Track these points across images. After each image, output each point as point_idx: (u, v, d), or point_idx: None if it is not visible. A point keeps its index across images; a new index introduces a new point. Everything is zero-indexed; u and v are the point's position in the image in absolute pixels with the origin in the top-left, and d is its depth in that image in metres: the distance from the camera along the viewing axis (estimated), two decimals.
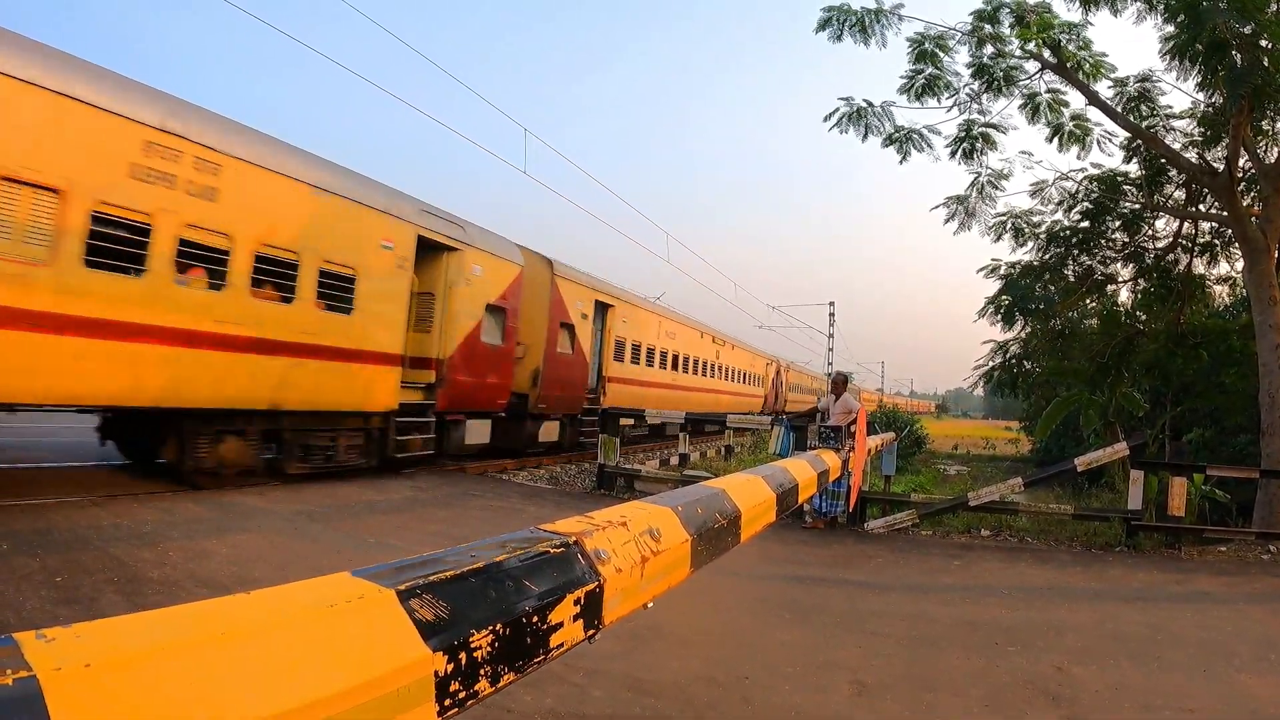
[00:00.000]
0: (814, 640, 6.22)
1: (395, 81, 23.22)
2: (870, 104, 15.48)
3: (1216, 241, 17.82)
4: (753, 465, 4.17)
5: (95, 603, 5.70)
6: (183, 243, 9.80)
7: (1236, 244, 15.58)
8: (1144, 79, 15.10)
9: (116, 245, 9.19)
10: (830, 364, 58.80)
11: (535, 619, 1.39)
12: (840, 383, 12.59)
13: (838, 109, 15.53)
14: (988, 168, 16.52)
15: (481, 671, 1.24)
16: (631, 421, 21.26)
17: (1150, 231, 18.47)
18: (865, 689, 5.17)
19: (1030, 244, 18.77)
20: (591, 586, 1.58)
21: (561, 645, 1.47)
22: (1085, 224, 18.18)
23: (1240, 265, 15.73)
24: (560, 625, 1.46)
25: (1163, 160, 16.11)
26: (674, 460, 20.13)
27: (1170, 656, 6.18)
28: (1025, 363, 21.34)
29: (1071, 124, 15.57)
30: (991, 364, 21.22)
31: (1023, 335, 20.69)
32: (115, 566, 6.59)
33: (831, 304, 59.42)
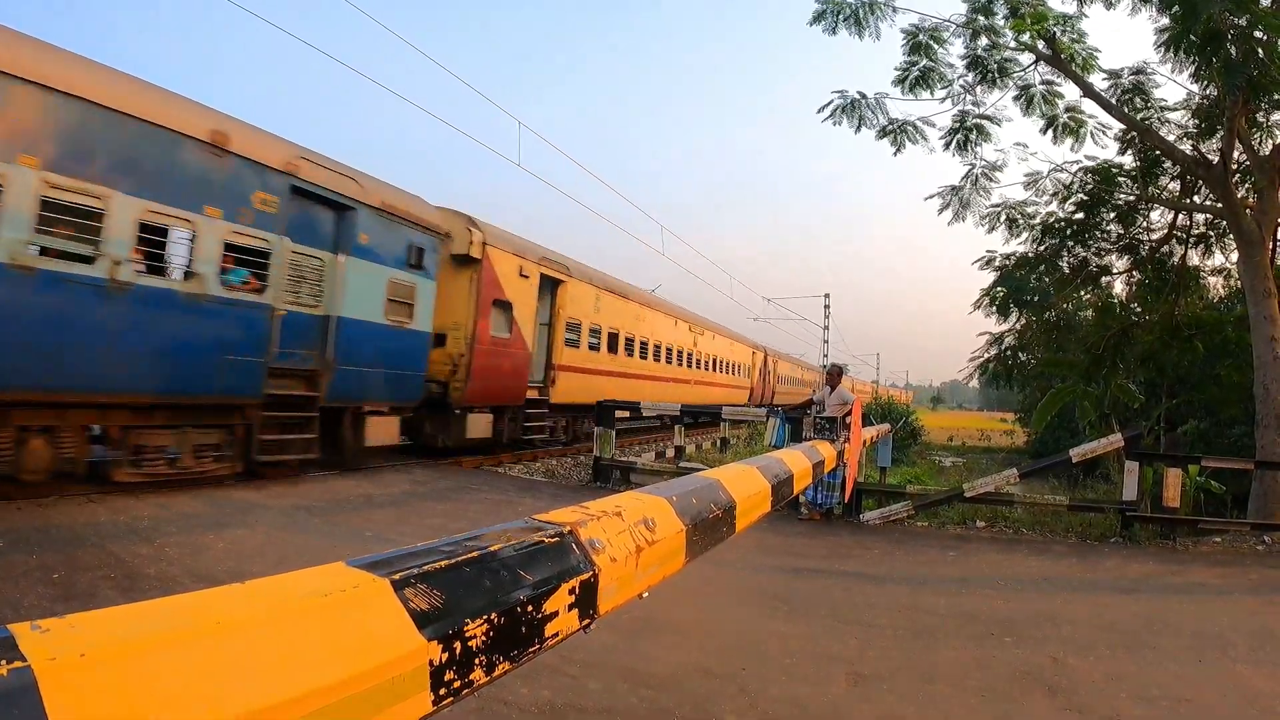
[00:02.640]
0: (810, 631, 6.23)
1: (391, 78, 23.24)
2: (864, 96, 15.48)
3: (1211, 233, 17.84)
4: (748, 457, 4.17)
5: (93, 599, 5.70)
6: None
7: (1231, 236, 15.59)
8: (1138, 71, 15.09)
9: None
10: (825, 356, 58.80)
11: (530, 608, 1.39)
12: (835, 374, 12.60)
13: (831, 101, 15.54)
14: (982, 159, 16.54)
15: (476, 661, 1.24)
16: (628, 414, 20.01)
17: (1145, 223, 18.51)
18: (862, 680, 5.19)
19: (1025, 235, 18.79)
20: (586, 576, 1.58)
21: (556, 635, 1.47)
22: (1080, 215, 18.18)
23: (1235, 257, 15.75)
24: (555, 614, 1.46)
25: (1157, 152, 16.13)
26: (670, 453, 20.16)
27: (1166, 647, 6.21)
28: (1020, 354, 21.35)
29: (1066, 116, 15.60)
30: (987, 356, 21.22)
31: (1018, 327, 20.69)
32: (113, 563, 6.59)
33: (827, 297, 59.35)
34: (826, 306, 58.94)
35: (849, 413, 8.40)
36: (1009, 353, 21.11)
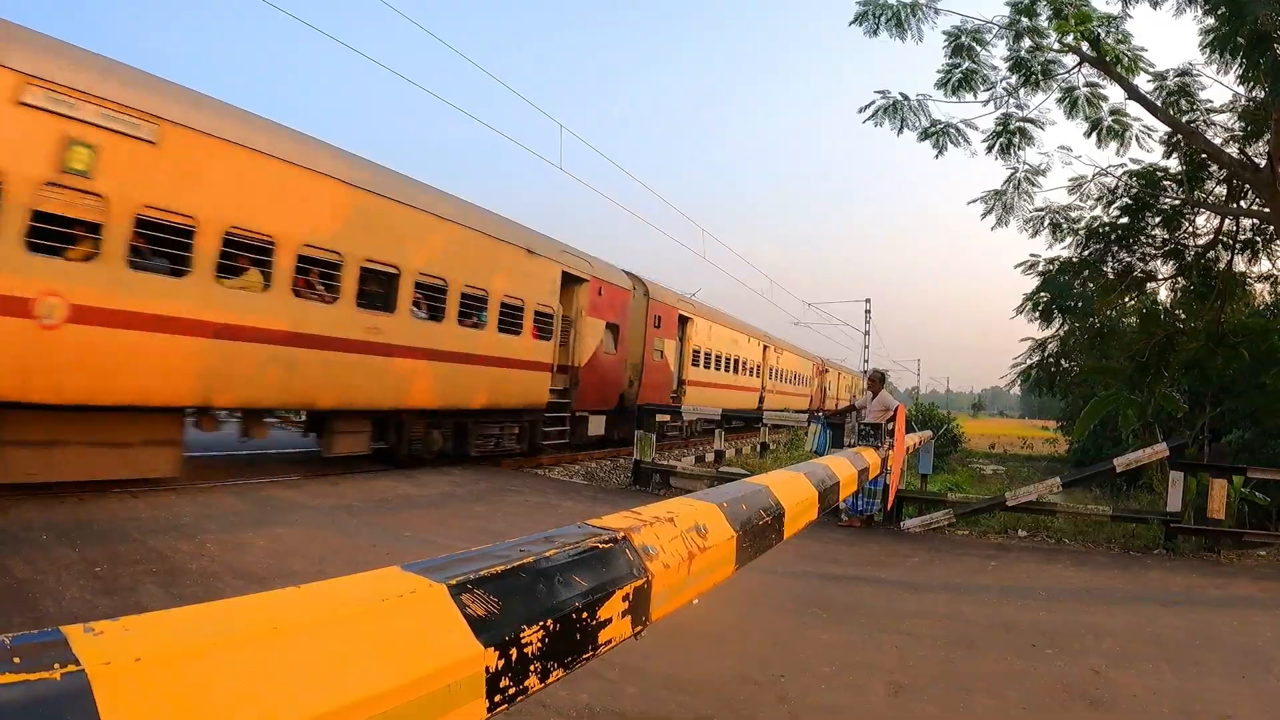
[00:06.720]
0: (850, 639, 6.17)
1: (430, 80, 23.36)
2: (906, 97, 15.36)
3: (1258, 238, 17.48)
4: (789, 463, 4.13)
5: (134, 594, 5.75)
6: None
7: (1278, 241, 15.33)
8: (1183, 73, 14.87)
9: None
10: (866, 361, 58.59)
11: (585, 615, 1.37)
12: (877, 381, 12.51)
13: (873, 102, 15.44)
14: (1025, 163, 16.36)
15: (531, 668, 1.22)
16: (669, 417, 23.13)
17: (1190, 228, 18.20)
18: (901, 690, 5.12)
19: (1069, 239, 18.59)
20: (639, 583, 1.55)
21: (609, 642, 1.45)
22: (1124, 220, 17.94)
23: None
24: (609, 621, 1.44)
25: (1203, 155, 15.87)
26: (709, 457, 20.13)
27: (1209, 661, 6.07)
28: (1063, 361, 21.10)
29: (1110, 119, 15.37)
30: (1029, 362, 21.02)
31: (1061, 333, 20.47)
32: (154, 558, 6.65)
33: (867, 301, 59.16)
34: (867, 312, 58.75)
35: (892, 419, 8.31)
36: (1051, 359, 20.87)
